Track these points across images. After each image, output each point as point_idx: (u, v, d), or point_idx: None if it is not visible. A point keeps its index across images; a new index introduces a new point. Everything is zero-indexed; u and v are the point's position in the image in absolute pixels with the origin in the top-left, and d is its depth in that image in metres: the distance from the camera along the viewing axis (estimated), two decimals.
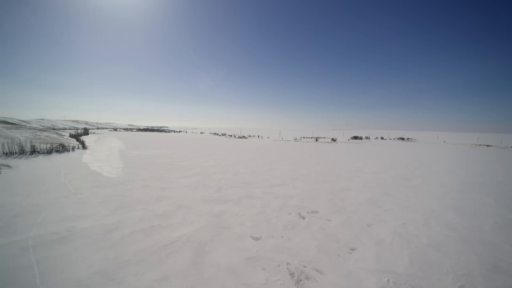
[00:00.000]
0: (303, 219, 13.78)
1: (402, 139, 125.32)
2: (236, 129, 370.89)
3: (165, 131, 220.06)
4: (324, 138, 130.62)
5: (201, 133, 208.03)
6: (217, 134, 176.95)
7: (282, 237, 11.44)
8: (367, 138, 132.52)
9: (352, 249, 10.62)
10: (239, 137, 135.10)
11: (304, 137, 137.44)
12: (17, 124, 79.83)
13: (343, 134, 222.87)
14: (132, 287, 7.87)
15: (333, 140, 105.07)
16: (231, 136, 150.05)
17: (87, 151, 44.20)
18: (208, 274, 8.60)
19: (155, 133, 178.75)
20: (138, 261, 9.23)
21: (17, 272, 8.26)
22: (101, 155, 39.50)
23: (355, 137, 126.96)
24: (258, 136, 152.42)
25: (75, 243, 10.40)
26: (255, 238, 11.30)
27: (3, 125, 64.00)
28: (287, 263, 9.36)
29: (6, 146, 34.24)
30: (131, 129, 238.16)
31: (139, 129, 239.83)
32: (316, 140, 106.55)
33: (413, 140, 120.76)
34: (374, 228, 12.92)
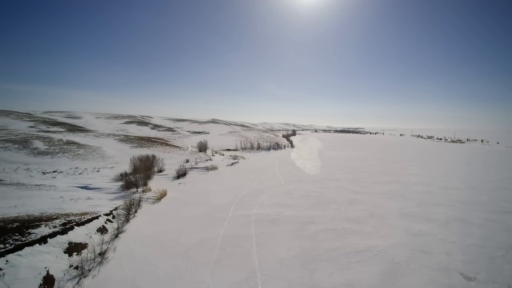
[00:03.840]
0: None
1: None
2: (448, 130, 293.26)
3: (360, 133, 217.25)
4: None
5: (400, 135, 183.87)
6: (421, 137, 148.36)
7: (509, 287, 8.11)
8: None
9: None
10: (452, 141, 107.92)
11: None
12: (249, 127, 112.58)
13: None
14: (321, 281, 8.49)
15: None
16: (441, 139, 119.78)
17: (294, 149, 53.69)
18: None
19: (351, 134, 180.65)
20: (328, 259, 9.78)
21: (243, 239, 11.34)
22: (304, 154, 46.28)
23: None
24: (482, 140, 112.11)
25: (281, 226, 12.77)
26: (467, 277, 8.65)
27: (241, 127, 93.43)
28: None
29: (242, 143, 52.52)
30: (329, 131, 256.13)
31: (336, 131, 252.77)
32: None
33: None
34: None
